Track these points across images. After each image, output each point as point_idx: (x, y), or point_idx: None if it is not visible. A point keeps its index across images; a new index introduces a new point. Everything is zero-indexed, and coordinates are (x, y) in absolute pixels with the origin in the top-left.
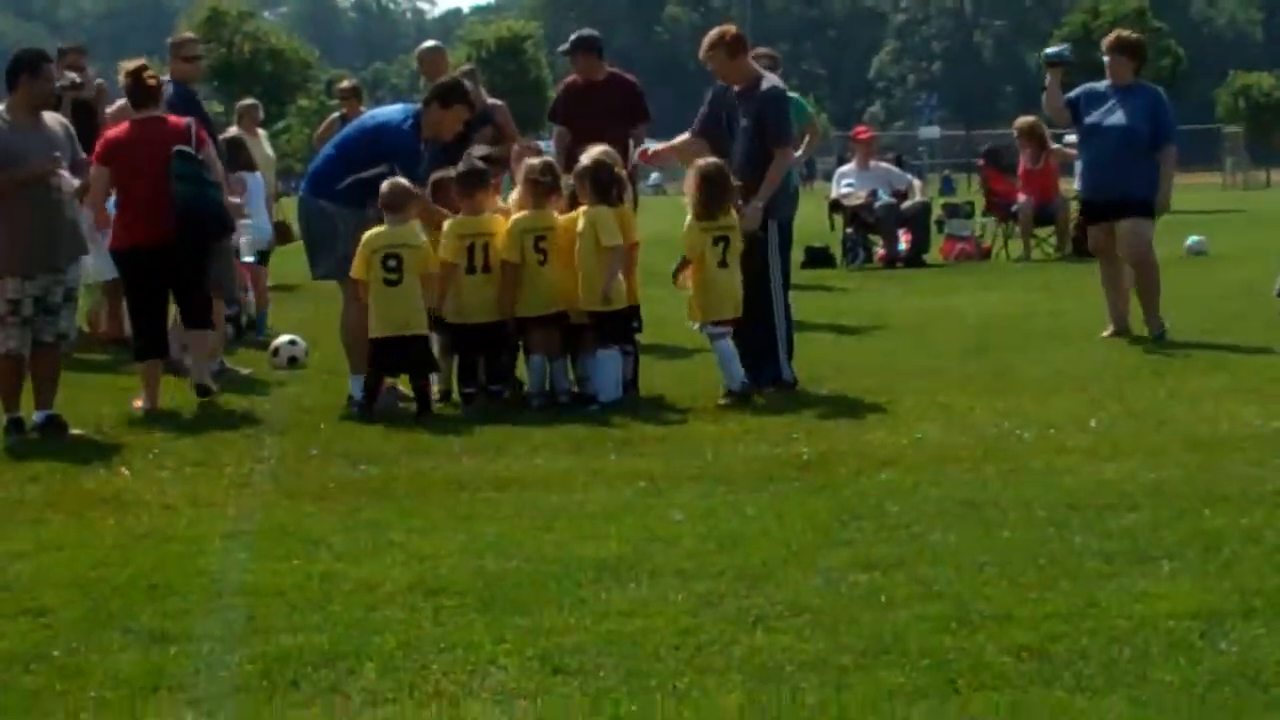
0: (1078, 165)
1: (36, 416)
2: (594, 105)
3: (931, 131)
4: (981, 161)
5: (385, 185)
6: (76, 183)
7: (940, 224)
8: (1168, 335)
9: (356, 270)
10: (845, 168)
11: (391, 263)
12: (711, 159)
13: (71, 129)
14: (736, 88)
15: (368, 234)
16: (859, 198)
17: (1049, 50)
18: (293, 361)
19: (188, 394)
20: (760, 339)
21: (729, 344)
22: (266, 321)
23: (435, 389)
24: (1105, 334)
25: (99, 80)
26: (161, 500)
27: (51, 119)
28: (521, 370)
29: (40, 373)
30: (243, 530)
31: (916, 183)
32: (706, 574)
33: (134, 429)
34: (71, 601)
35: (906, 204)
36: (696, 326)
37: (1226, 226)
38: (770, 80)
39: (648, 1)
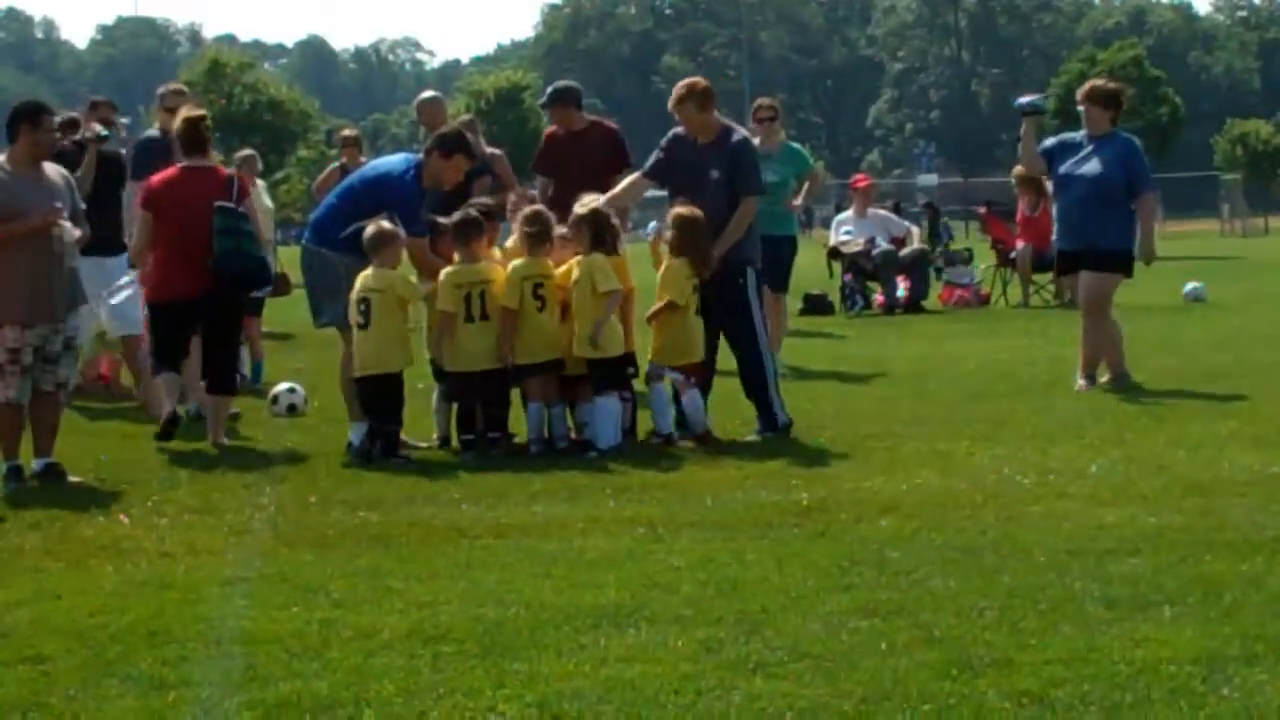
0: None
1: (36, 464)
2: (576, 154)
3: (929, 179)
4: (984, 209)
5: (369, 229)
6: (77, 233)
7: (939, 270)
8: (1130, 383)
9: (350, 314)
10: (843, 215)
11: (361, 306)
12: (693, 207)
13: (71, 180)
14: (704, 140)
15: (358, 279)
16: (857, 245)
17: (1022, 100)
18: (292, 409)
19: (185, 443)
20: (752, 386)
21: (698, 393)
22: (263, 371)
23: (434, 436)
24: (1104, 380)
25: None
26: (160, 547)
27: (52, 170)
28: (519, 419)
29: (40, 421)
30: (241, 577)
31: (914, 230)
32: (706, 620)
33: (133, 476)
34: (70, 649)
35: (905, 251)
36: (666, 372)
37: (1225, 273)
38: (740, 131)
39: (645, 52)
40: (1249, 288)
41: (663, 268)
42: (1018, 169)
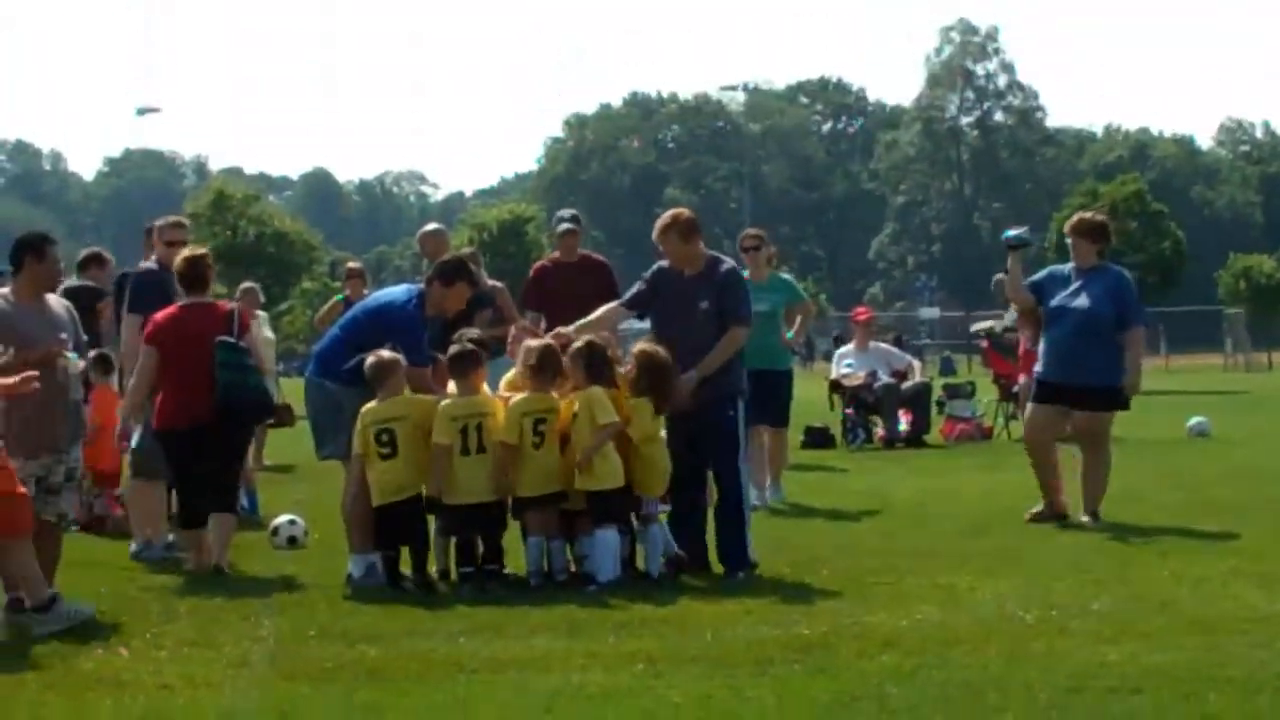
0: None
1: None
2: (570, 287)
3: (931, 312)
4: (985, 343)
5: (370, 359)
6: (81, 365)
7: (941, 404)
8: (1100, 521)
9: (356, 444)
10: (845, 348)
11: (384, 436)
12: (657, 346)
13: (74, 311)
14: (690, 271)
15: (363, 409)
16: (858, 378)
17: (1009, 233)
18: (292, 541)
19: (183, 575)
20: (730, 519)
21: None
22: (258, 501)
23: (432, 568)
24: (1036, 510)
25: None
26: (158, 680)
27: (55, 301)
28: (518, 553)
29: (40, 551)
30: (240, 710)
31: (916, 363)
32: None
33: (131, 608)
34: None
35: (906, 384)
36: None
37: (1229, 408)
38: (728, 262)
39: (648, 184)
40: (1253, 422)
41: (580, 399)
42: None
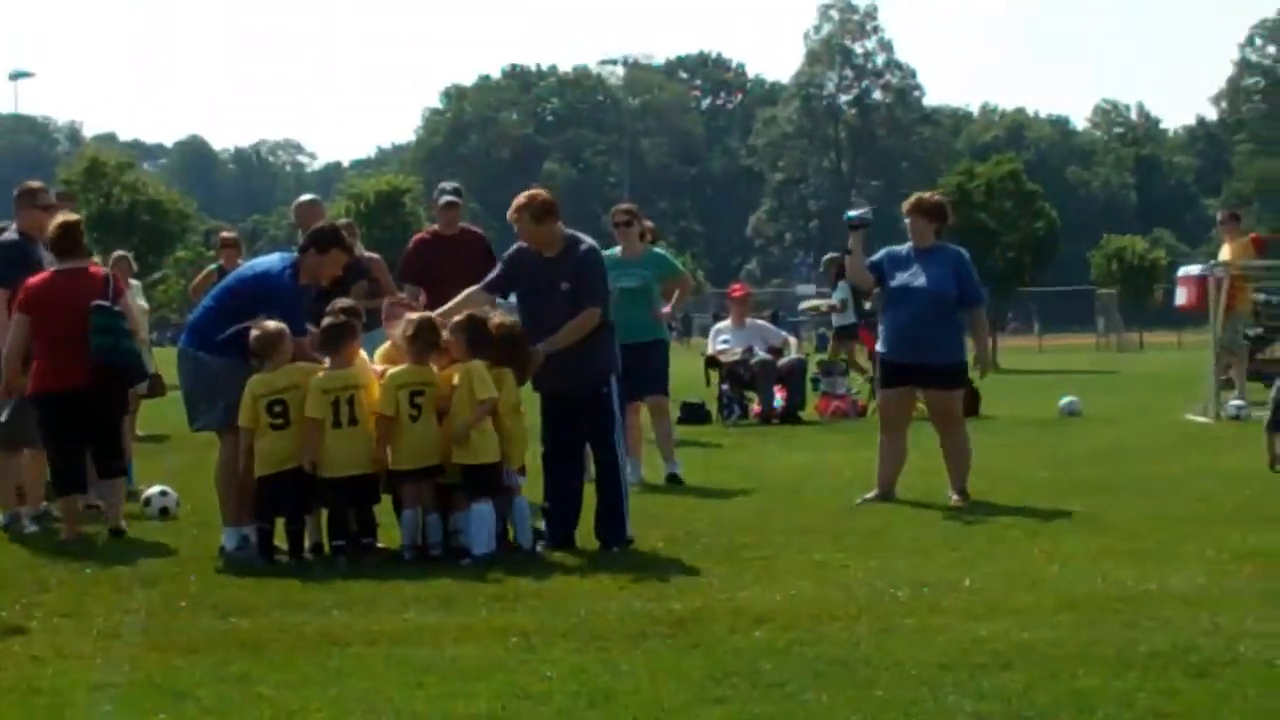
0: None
1: None
2: (449, 260)
3: (808, 289)
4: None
5: (255, 331)
6: None
7: (816, 381)
8: (969, 502)
9: (243, 417)
10: (721, 324)
11: (277, 408)
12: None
13: None
14: (549, 253)
15: (251, 380)
16: (735, 354)
17: (850, 213)
18: (164, 512)
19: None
20: (609, 496)
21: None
22: (133, 472)
23: (307, 540)
24: (869, 496)
25: None
26: (28, 652)
27: None
28: (392, 526)
29: None
30: (110, 683)
31: (792, 340)
32: None
33: (1, 579)
34: None
35: (782, 361)
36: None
37: (1100, 387)
38: (586, 241)
39: (527, 157)
40: (1124, 401)
41: (461, 372)
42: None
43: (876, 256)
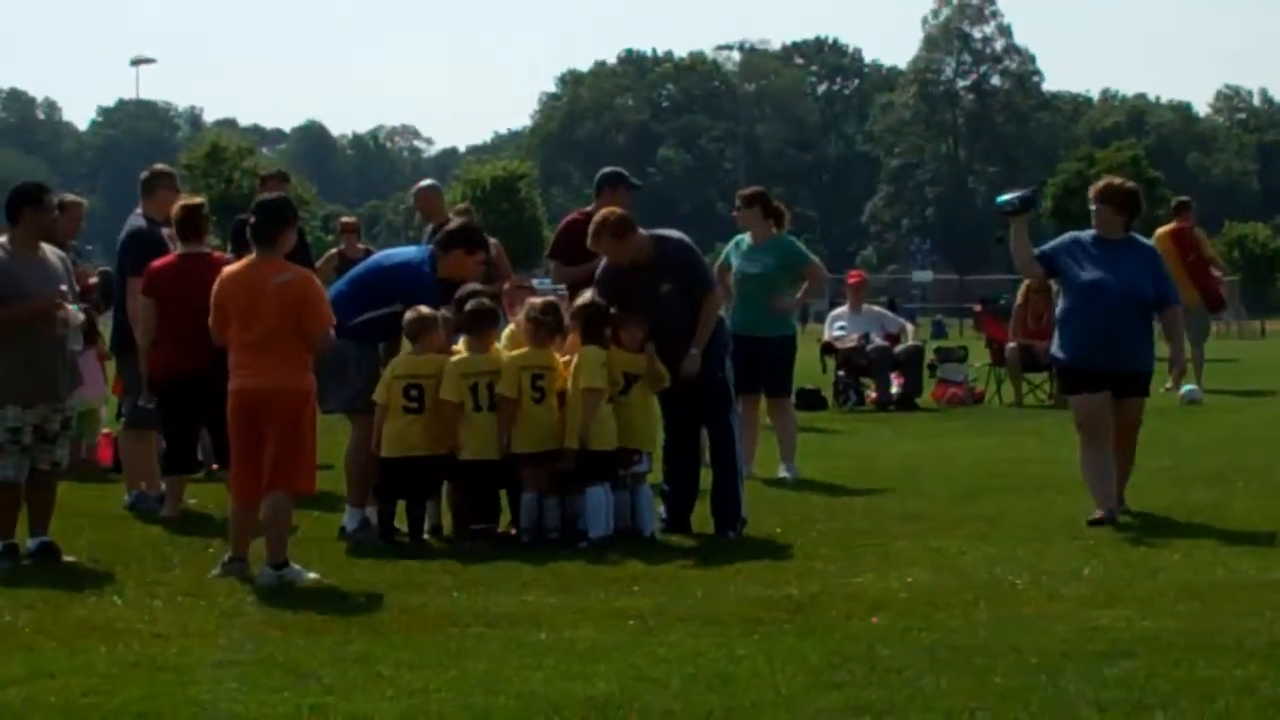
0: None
1: (31, 543)
2: None
3: (924, 276)
4: (979, 307)
5: (409, 314)
6: (81, 317)
7: (932, 368)
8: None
9: (379, 395)
10: (837, 311)
11: (414, 392)
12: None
13: (68, 261)
14: (640, 261)
15: (393, 360)
16: (851, 341)
17: (1001, 198)
18: None
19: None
20: (725, 476)
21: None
22: None
23: (426, 524)
24: (1095, 516)
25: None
26: (153, 629)
27: (50, 251)
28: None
29: (36, 500)
30: (233, 660)
31: (909, 326)
32: (695, 715)
33: (126, 557)
34: None
35: (899, 347)
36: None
37: (1222, 376)
38: (672, 233)
39: (642, 144)
40: (1245, 390)
41: (576, 357)
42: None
43: (1052, 245)
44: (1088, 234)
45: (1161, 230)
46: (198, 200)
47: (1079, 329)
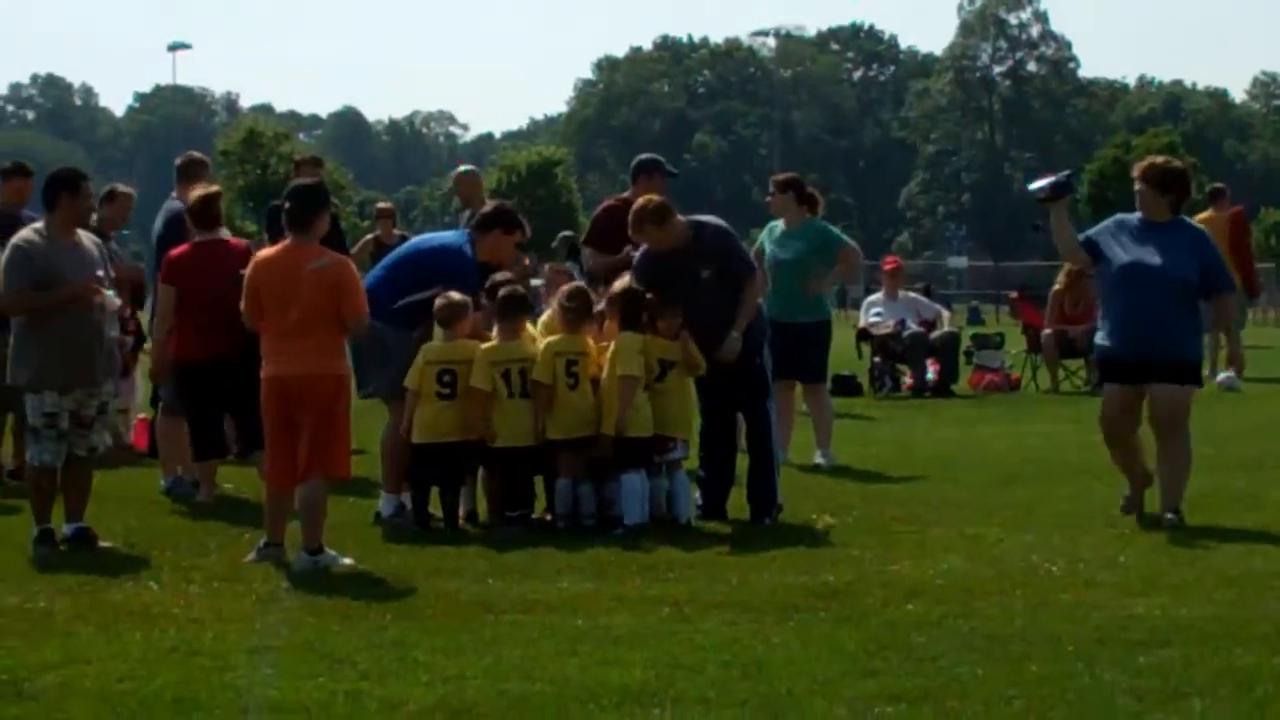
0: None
1: (67, 529)
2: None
3: (960, 262)
4: (1016, 294)
5: (440, 300)
6: (118, 302)
7: (969, 354)
8: (1184, 523)
9: (411, 381)
10: (873, 297)
11: (446, 378)
12: (625, 280)
13: (104, 247)
14: (679, 247)
15: (425, 346)
16: (887, 327)
17: (1033, 185)
18: None
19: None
20: (761, 461)
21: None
22: None
23: (461, 509)
24: (1168, 516)
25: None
26: (189, 614)
27: (87, 237)
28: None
29: (72, 485)
30: (269, 646)
31: (945, 312)
32: (731, 702)
33: (162, 542)
34: (99, 714)
35: (935, 334)
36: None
37: (1258, 363)
38: (710, 220)
39: (678, 130)
40: None
41: (613, 344)
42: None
43: (1097, 229)
44: (1134, 216)
45: (1215, 214)
46: (214, 189)
47: (1117, 314)
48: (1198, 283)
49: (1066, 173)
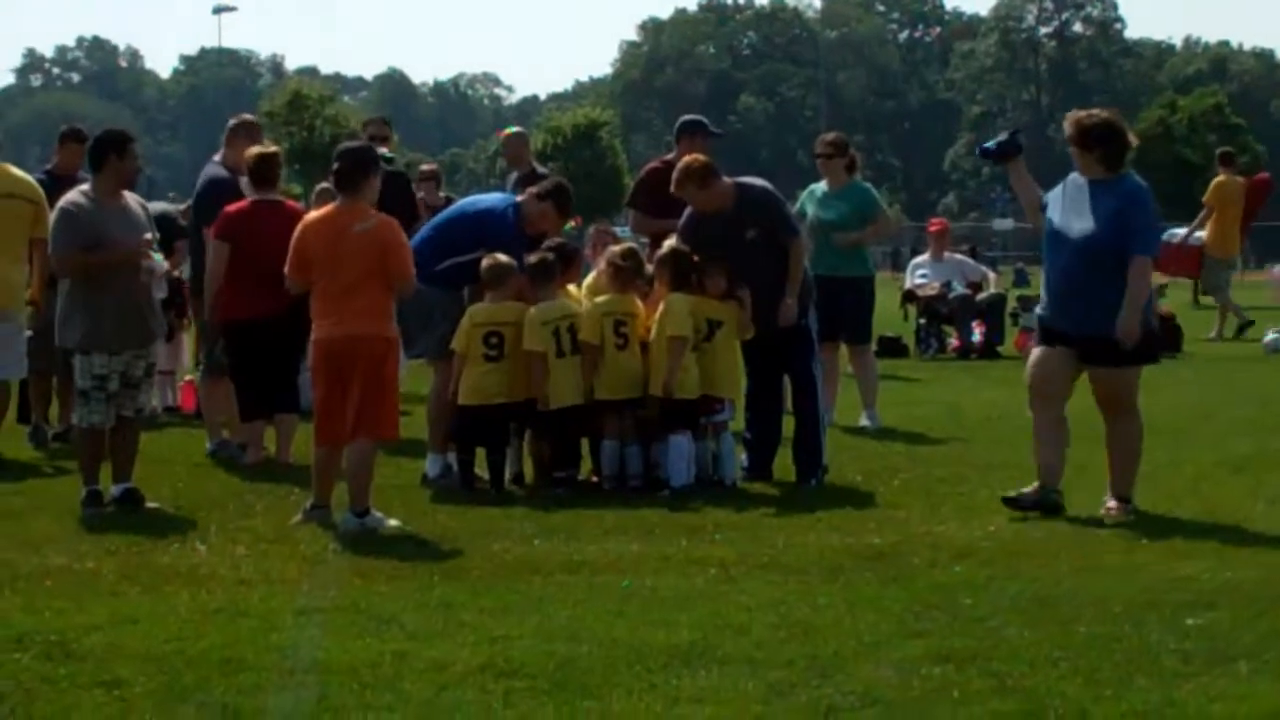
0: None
1: (114, 489)
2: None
3: (1005, 223)
4: None
5: (487, 261)
6: (165, 266)
7: (1015, 316)
8: (1133, 513)
9: (458, 343)
10: (919, 259)
11: (494, 339)
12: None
13: (148, 208)
14: (725, 209)
15: (472, 308)
16: (933, 288)
17: (983, 145)
18: None
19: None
20: (807, 421)
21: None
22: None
23: (507, 472)
24: (1025, 490)
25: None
26: (236, 575)
27: (132, 199)
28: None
29: (119, 446)
30: (316, 607)
31: (991, 274)
32: (777, 663)
33: (209, 503)
34: (146, 675)
35: (981, 295)
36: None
37: None
38: (755, 185)
39: (723, 91)
40: None
41: (662, 304)
42: None
43: (1055, 189)
44: (1076, 176)
45: (1226, 178)
46: (273, 149)
47: (1045, 283)
48: (1116, 247)
49: (1012, 129)
